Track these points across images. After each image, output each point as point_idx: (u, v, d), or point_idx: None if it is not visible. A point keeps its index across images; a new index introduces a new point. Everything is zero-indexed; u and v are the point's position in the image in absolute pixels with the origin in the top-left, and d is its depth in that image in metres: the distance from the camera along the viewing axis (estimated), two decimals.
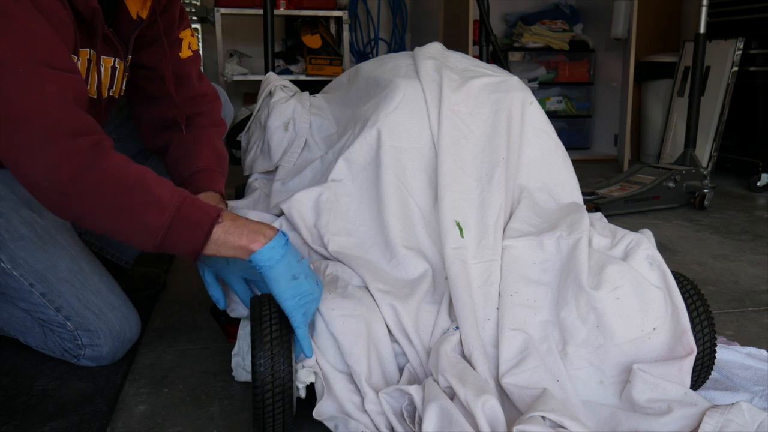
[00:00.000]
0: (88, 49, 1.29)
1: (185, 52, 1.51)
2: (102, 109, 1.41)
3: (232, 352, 1.22)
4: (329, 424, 1.06)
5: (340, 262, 1.25)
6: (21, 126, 1.05)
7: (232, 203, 1.49)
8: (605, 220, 1.37)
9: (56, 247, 1.34)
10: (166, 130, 1.51)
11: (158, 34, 1.44)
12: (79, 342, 1.34)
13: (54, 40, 1.12)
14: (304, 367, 1.08)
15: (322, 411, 1.07)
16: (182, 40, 1.51)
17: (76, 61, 1.25)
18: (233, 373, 1.24)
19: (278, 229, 1.10)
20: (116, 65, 1.39)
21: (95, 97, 1.37)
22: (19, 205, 1.32)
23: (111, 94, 1.42)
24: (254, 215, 1.34)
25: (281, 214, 1.35)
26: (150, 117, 1.53)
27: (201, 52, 4.39)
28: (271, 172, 1.56)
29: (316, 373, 1.08)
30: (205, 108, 1.55)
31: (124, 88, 1.45)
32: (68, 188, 1.05)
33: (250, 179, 1.58)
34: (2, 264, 1.31)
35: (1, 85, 1.05)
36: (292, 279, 1.07)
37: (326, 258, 1.28)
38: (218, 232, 1.07)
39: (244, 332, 1.21)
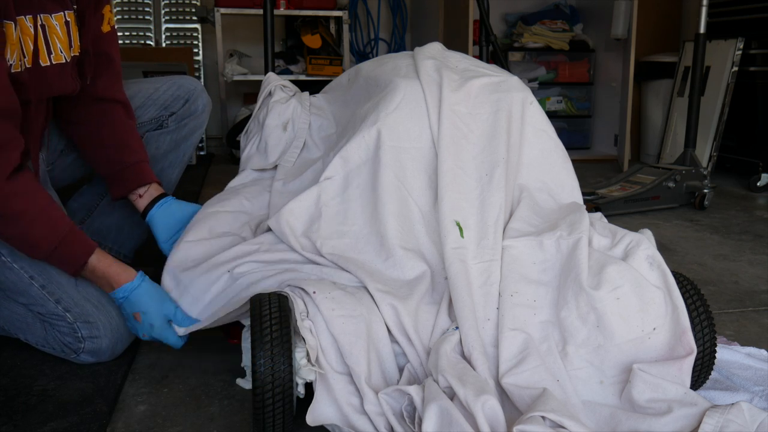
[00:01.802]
0: (33, 15, 1.27)
1: (105, 27, 1.49)
2: (69, 71, 1.38)
3: (242, 364, 1.19)
4: (328, 428, 1.06)
5: (336, 264, 1.25)
6: None
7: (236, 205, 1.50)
8: (605, 220, 1.37)
9: None
10: (86, 116, 1.50)
11: (86, 6, 1.43)
12: (79, 335, 1.34)
13: None
14: (305, 365, 1.08)
15: (317, 414, 1.05)
16: (104, 15, 1.49)
17: (13, 28, 1.22)
18: (239, 381, 1.24)
19: (126, 282, 1.30)
20: (67, 18, 1.36)
21: (63, 61, 1.35)
22: None
23: (73, 53, 1.39)
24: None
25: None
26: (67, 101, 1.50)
27: (201, 52, 4.39)
28: (264, 170, 1.55)
29: (317, 371, 1.08)
30: (125, 98, 1.56)
31: (80, 44, 1.42)
32: None
33: (242, 176, 1.56)
34: (3, 257, 1.33)
35: None
36: (126, 318, 1.34)
37: (321, 264, 1.28)
38: (84, 273, 1.31)
39: (247, 344, 1.20)
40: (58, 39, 1.34)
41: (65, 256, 1.29)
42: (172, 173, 1.76)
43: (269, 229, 1.35)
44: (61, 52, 1.35)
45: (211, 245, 1.33)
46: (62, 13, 1.35)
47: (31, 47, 1.28)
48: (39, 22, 1.28)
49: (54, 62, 1.34)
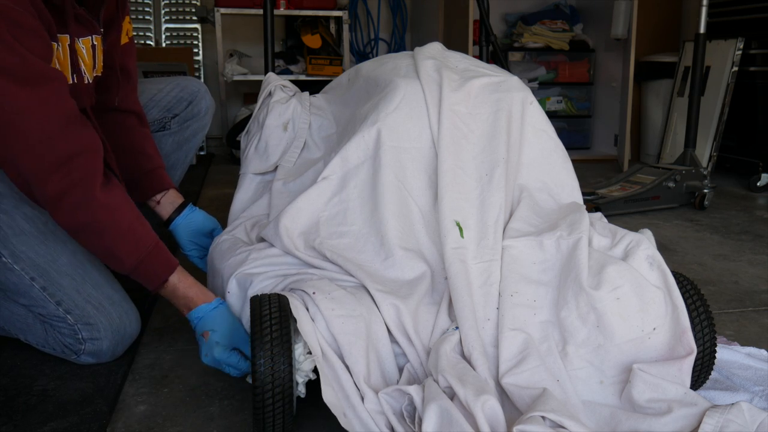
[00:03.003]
0: (67, 35, 1.29)
1: (124, 38, 1.52)
2: (91, 92, 1.41)
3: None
4: (337, 412, 1.05)
5: (336, 264, 1.25)
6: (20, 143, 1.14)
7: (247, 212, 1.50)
8: (605, 220, 1.37)
9: (57, 242, 1.35)
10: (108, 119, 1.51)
11: (114, 17, 1.46)
12: (79, 336, 1.34)
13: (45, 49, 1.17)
14: (306, 358, 1.07)
15: (327, 395, 1.04)
16: (122, 27, 1.52)
17: (56, 48, 1.25)
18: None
19: (201, 304, 1.27)
20: (94, 42, 1.39)
21: (86, 82, 1.37)
22: (20, 202, 1.33)
23: (96, 73, 1.42)
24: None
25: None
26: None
27: (201, 52, 4.39)
28: (265, 173, 1.55)
29: (318, 359, 1.07)
30: (140, 108, 1.59)
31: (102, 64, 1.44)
32: (52, 206, 1.19)
33: (245, 184, 1.56)
34: (4, 259, 1.33)
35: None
36: (200, 339, 1.26)
37: (321, 268, 1.27)
38: (165, 292, 1.30)
39: None
40: (83, 62, 1.36)
41: (147, 274, 1.27)
42: (174, 174, 1.78)
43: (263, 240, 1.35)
44: (84, 74, 1.37)
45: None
46: (90, 37, 1.37)
47: (59, 67, 1.30)
48: (68, 42, 1.30)
49: (76, 82, 1.35)
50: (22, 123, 1.13)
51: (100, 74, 1.44)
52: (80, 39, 1.35)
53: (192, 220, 1.56)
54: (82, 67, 1.37)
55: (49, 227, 1.35)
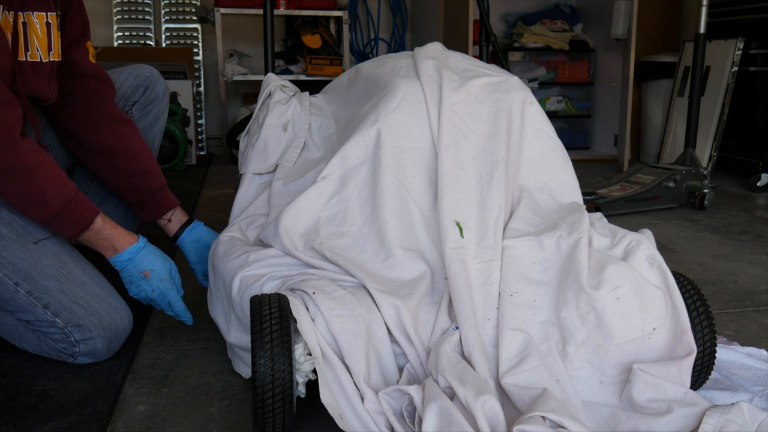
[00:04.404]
0: (14, 12, 1.29)
1: (92, 59, 1.55)
2: (46, 75, 1.40)
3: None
4: (334, 413, 1.05)
5: (336, 264, 1.25)
6: None
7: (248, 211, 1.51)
8: (605, 220, 1.37)
9: (37, 244, 1.34)
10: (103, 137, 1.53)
11: (78, 33, 1.47)
12: (72, 339, 1.34)
13: None
14: (306, 360, 1.07)
15: (325, 396, 1.04)
16: (88, 49, 1.54)
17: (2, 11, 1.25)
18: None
19: (130, 244, 1.35)
20: (49, 20, 1.37)
21: (38, 60, 1.36)
22: None
23: (51, 57, 1.40)
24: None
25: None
26: (81, 124, 1.53)
27: (201, 52, 4.39)
28: (265, 174, 1.55)
29: (317, 360, 1.07)
30: (128, 117, 1.60)
31: (61, 51, 1.43)
32: None
33: (245, 183, 1.56)
34: None
35: None
36: (128, 283, 1.39)
37: (321, 268, 1.27)
38: (87, 235, 1.33)
39: None
40: (36, 37, 1.35)
41: (73, 215, 1.29)
42: None
43: (261, 243, 1.35)
44: (38, 50, 1.36)
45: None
46: (44, 13, 1.36)
47: (10, 41, 1.29)
48: (21, 20, 1.30)
49: (29, 59, 1.34)
50: None
51: (57, 60, 1.41)
52: (35, 13, 1.33)
53: (197, 235, 1.59)
54: (36, 44, 1.34)
55: (27, 230, 1.33)
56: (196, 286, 1.74)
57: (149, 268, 1.36)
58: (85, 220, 1.31)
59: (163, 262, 1.40)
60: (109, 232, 1.34)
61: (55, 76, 1.44)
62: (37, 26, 1.34)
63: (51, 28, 1.38)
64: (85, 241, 1.35)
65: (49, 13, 1.37)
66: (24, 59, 1.33)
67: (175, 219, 1.60)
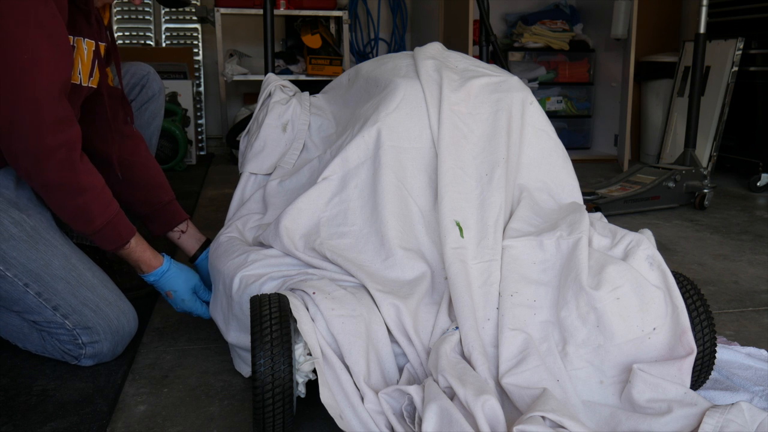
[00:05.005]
0: (73, 36, 1.33)
1: (110, 83, 1.57)
2: (81, 99, 1.43)
3: None
4: (333, 414, 1.05)
5: (336, 264, 1.25)
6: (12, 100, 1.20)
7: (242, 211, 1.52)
8: (605, 220, 1.37)
9: (47, 245, 1.34)
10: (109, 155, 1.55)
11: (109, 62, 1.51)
12: (79, 341, 1.34)
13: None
14: (306, 360, 1.07)
15: (327, 397, 1.05)
16: (108, 74, 1.57)
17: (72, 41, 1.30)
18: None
19: (157, 266, 1.43)
20: (97, 48, 1.42)
21: (78, 83, 1.39)
22: (7, 206, 1.32)
23: (91, 84, 1.43)
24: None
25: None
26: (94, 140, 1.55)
27: (201, 52, 4.39)
28: (265, 174, 1.55)
29: (317, 360, 1.07)
30: (137, 131, 1.64)
31: (99, 79, 1.46)
32: (45, 159, 1.24)
33: (242, 181, 1.56)
34: None
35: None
36: (167, 297, 1.48)
37: (321, 268, 1.27)
38: (122, 252, 1.40)
39: None
40: (81, 61, 1.38)
41: (112, 234, 1.36)
42: None
43: (261, 244, 1.35)
44: (80, 74, 1.39)
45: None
46: (94, 42, 1.41)
47: None
48: (71, 42, 1.34)
49: (71, 81, 1.36)
50: (36, 74, 1.20)
51: (95, 87, 1.45)
52: (85, 39, 1.38)
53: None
54: (79, 67, 1.37)
55: (37, 231, 1.34)
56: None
57: (172, 289, 1.45)
58: (122, 240, 1.38)
59: (186, 282, 1.47)
60: (139, 255, 1.42)
61: (84, 98, 1.47)
62: (85, 52, 1.39)
63: (97, 56, 1.43)
64: (120, 256, 1.42)
65: (99, 43, 1.43)
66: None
67: (190, 235, 1.65)
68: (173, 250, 1.68)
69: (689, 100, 2.97)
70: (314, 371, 1.08)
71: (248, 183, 1.55)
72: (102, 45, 1.44)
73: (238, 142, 1.69)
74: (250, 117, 1.66)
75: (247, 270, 1.26)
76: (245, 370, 1.31)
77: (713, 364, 1.18)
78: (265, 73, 1.78)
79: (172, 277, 1.45)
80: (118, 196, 1.60)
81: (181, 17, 4.33)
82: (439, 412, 0.96)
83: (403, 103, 1.37)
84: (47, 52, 1.20)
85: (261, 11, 2.18)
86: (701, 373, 1.17)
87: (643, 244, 1.22)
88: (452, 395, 1.00)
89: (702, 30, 2.86)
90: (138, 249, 1.41)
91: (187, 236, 1.65)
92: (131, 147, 1.59)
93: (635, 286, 1.14)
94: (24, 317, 1.37)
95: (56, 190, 1.28)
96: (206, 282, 1.56)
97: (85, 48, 1.38)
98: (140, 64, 1.75)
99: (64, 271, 1.34)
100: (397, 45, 4.67)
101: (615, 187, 2.89)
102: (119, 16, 4.25)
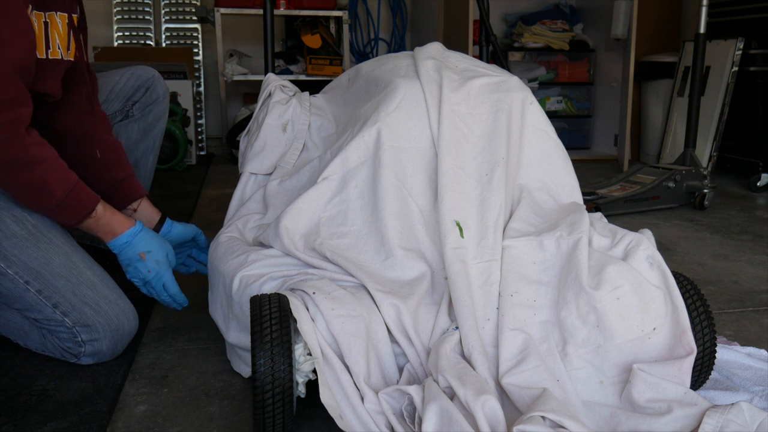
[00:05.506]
0: (43, 12, 1.32)
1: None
2: (62, 73, 1.41)
3: None
4: (333, 414, 1.05)
5: (336, 264, 1.25)
6: None
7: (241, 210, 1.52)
8: (605, 220, 1.37)
9: (48, 243, 1.34)
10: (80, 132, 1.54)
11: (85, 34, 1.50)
12: (79, 339, 1.34)
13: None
14: (306, 360, 1.07)
15: (327, 397, 1.04)
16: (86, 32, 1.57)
17: (33, 21, 1.28)
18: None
19: (127, 229, 1.39)
20: (71, 21, 1.41)
21: (59, 58, 1.38)
22: (9, 205, 1.33)
23: (69, 56, 1.42)
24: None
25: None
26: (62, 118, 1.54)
27: (201, 52, 4.39)
28: (265, 174, 1.55)
29: (317, 360, 1.07)
30: (100, 111, 1.61)
31: (76, 51, 1.46)
32: None
33: (242, 181, 1.56)
34: None
35: None
36: (126, 266, 1.42)
37: (321, 268, 1.27)
38: (88, 222, 1.36)
39: None
40: (58, 35, 1.37)
41: (75, 204, 1.33)
42: (147, 162, 1.82)
43: (262, 244, 1.35)
44: (59, 48, 1.38)
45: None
46: (66, 14, 1.39)
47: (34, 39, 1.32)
48: (43, 19, 1.33)
49: (50, 57, 1.36)
50: None
51: (71, 59, 1.44)
52: (58, 13, 1.37)
53: (172, 233, 1.59)
54: (57, 42, 1.37)
55: (39, 229, 1.34)
56: (195, 287, 1.74)
57: (145, 250, 1.41)
58: (87, 208, 1.34)
59: (160, 245, 1.43)
60: (108, 218, 1.37)
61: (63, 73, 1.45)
62: (59, 25, 1.37)
63: (71, 28, 1.41)
64: (85, 228, 1.38)
65: (72, 15, 1.41)
66: (45, 57, 1.35)
67: (141, 211, 1.59)
68: None
69: (689, 100, 2.97)
70: (314, 371, 1.08)
71: (248, 183, 1.55)
72: (75, 17, 1.43)
73: (238, 142, 1.69)
74: (250, 117, 1.66)
75: (247, 270, 1.26)
76: (244, 370, 1.31)
77: (713, 364, 1.18)
78: (265, 73, 1.78)
79: (145, 238, 1.41)
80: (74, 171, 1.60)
81: (181, 17, 4.33)
82: (439, 412, 0.96)
83: (403, 103, 1.37)
84: None
85: (261, 11, 2.18)
86: (701, 373, 1.17)
87: (643, 244, 1.22)
88: (452, 395, 1.00)
89: (702, 30, 2.86)
90: (107, 213, 1.38)
91: (141, 214, 1.59)
92: (91, 122, 1.56)
93: (635, 286, 1.14)
94: (24, 315, 1.37)
95: (8, 169, 1.25)
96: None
97: (59, 21, 1.37)
98: (145, 67, 1.76)
99: (64, 269, 1.34)
100: (397, 45, 4.67)
101: (615, 187, 2.89)
102: (119, 16, 4.25)
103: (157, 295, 1.46)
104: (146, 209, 1.60)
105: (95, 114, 1.57)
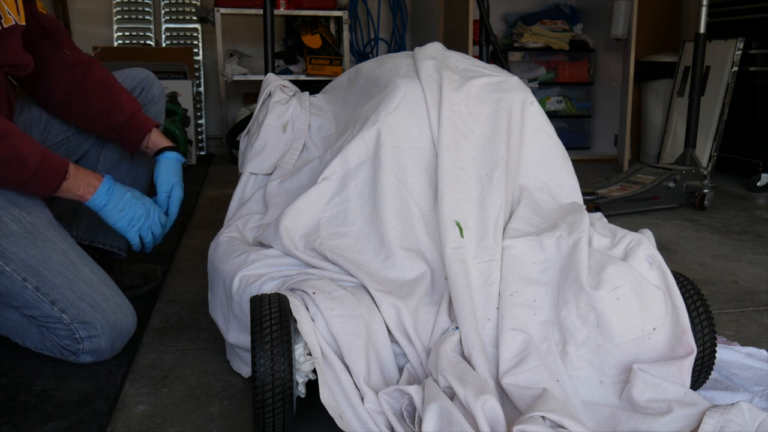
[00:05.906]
0: None
1: (42, 10, 1.55)
2: (16, 40, 1.39)
3: None
4: (333, 414, 1.05)
5: (336, 264, 1.25)
6: None
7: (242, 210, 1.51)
8: (605, 220, 1.37)
9: (46, 241, 1.35)
10: (70, 88, 1.54)
11: None
12: (77, 336, 1.34)
13: None
14: (306, 360, 1.07)
15: (325, 397, 1.04)
16: (35, 1, 1.54)
17: None
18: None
19: (102, 178, 1.41)
20: None
21: (13, 23, 1.36)
22: (7, 204, 1.33)
23: (21, 20, 1.40)
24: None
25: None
26: (49, 75, 1.54)
27: (201, 52, 4.39)
28: (264, 174, 1.55)
29: (317, 360, 1.07)
30: (87, 57, 1.60)
31: (24, 14, 1.44)
32: None
33: (242, 181, 1.56)
34: None
35: None
36: (119, 212, 1.43)
37: (321, 268, 1.27)
38: (65, 184, 1.36)
39: None
40: (5, 2, 1.35)
41: (50, 169, 1.33)
42: (145, 162, 1.81)
43: (261, 244, 1.35)
44: (10, 14, 1.36)
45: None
46: None
47: None
48: None
49: (5, 26, 1.35)
50: None
51: (24, 24, 1.42)
52: None
53: (157, 172, 1.60)
54: (6, 8, 1.35)
55: (36, 227, 1.35)
56: (195, 286, 1.74)
57: (128, 189, 1.45)
58: (61, 171, 1.34)
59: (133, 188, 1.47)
60: (83, 175, 1.38)
61: (19, 35, 1.43)
62: None
63: None
64: (64, 193, 1.37)
65: None
66: (1, 28, 1.34)
67: (152, 145, 1.61)
68: None
69: (689, 100, 2.97)
70: (314, 371, 1.08)
71: (248, 183, 1.55)
72: None
73: (238, 142, 1.68)
74: (250, 117, 1.66)
75: (247, 270, 1.26)
76: (244, 370, 1.31)
77: (713, 364, 1.18)
78: (265, 73, 1.78)
79: (121, 184, 1.44)
80: (84, 130, 1.61)
81: (181, 17, 4.33)
82: (439, 412, 0.96)
83: (403, 103, 1.37)
84: None
85: (261, 11, 2.18)
86: (701, 373, 1.17)
87: (643, 244, 1.22)
88: (452, 395, 1.00)
89: (702, 30, 2.86)
90: (80, 171, 1.38)
91: (151, 147, 1.61)
92: (77, 76, 1.55)
93: (635, 286, 1.14)
94: (23, 312, 1.37)
95: None
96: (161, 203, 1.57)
97: None
98: (140, 69, 1.76)
99: (62, 266, 1.35)
100: (397, 45, 4.67)
101: (615, 187, 2.89)
102: (119, 16, 4.25)
103: (157, 225, 1.49)
104: (156, 138, 1.62)
105: (82, 62, 1.56)
